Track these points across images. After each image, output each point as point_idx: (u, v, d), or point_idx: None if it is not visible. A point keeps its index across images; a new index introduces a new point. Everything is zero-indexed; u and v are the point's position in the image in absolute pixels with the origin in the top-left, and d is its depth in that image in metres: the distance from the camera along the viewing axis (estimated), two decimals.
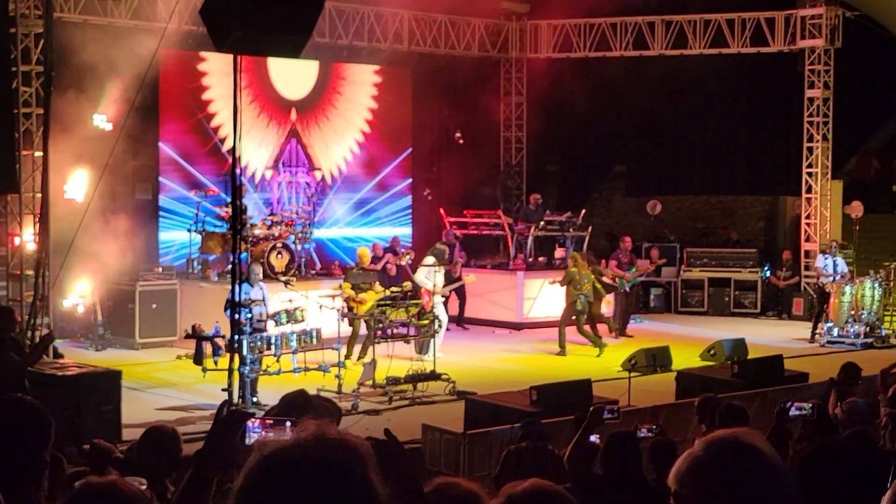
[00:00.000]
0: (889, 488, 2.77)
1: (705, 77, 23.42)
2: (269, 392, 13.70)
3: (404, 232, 23.12)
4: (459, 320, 20.24)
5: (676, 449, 6.83)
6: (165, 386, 14.91)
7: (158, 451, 5.67)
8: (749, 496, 2.30)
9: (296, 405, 5.53)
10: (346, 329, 15.27)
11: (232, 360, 11.16)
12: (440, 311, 16.56)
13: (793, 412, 5.88)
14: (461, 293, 20.07)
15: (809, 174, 22.35)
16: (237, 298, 10.31)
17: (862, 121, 24.88)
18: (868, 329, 19.09)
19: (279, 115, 21.44)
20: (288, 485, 1.82)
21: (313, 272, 19.12)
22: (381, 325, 14.83)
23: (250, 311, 13.46)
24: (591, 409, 6.92)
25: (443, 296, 17.20)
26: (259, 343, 13.66)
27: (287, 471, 1.83)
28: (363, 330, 16.06)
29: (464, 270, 19.66)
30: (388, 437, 2.52)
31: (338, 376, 13.99)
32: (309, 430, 1.90)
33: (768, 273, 22.74)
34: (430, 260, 17.12)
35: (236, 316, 10.84)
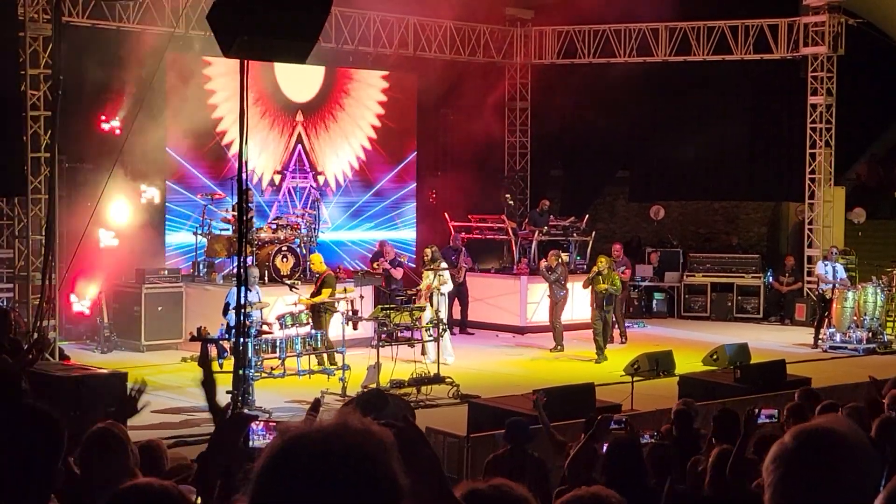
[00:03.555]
0: (882, 491, 2.84)
1: (709, 83, 23.48)
2: (272, 395, 13.80)
3: (409, 236, 23.20)
4: (463, 325, 20.31)
5: (674, 454, 6.89)
6: (170, 388, 14.98)
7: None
8: (831, 484, 2.38)
9: (372, 403, 5.52)
10: (349, 332, 15.28)
11: (236, 363, 11.25)
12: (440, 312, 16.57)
13: (761, 419, 5.95)
14: (463, 299, 20.14)
15: (812, 180, 22.41)
16: (241, 302, 10.37)
17: (865, 127, 24.93)
18: (870, 335, 19.13)
19: (285, 118, 21.50)
20: (310, 466, 1.80)
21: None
22: (385, 329, 14.91)
23: (251, 315, 13.53)
24: (599, 418, 6.92)
25: (439, 294, 17.13)
26: (263, 346, 13.75)
27: (309, 453, 1.82)
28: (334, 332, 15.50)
29: (469, 276, 19.71)
30: (407, 423, 2.52)
31: (342, 379, 14.07)
32: (331, 418, 1.90)
33: (771, 278, 22.79)
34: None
35: (240, 319, 10.90)
